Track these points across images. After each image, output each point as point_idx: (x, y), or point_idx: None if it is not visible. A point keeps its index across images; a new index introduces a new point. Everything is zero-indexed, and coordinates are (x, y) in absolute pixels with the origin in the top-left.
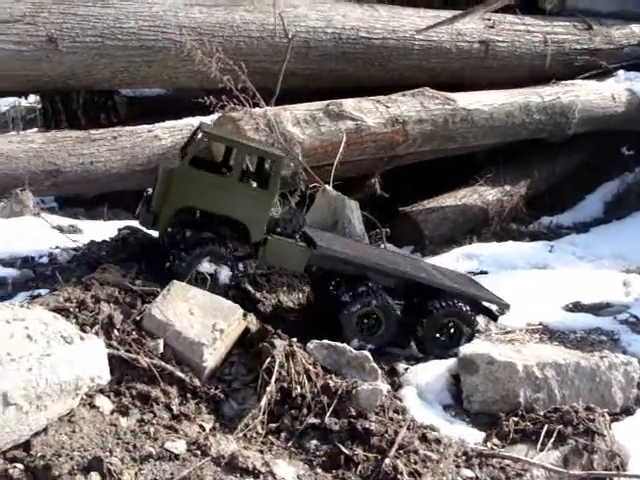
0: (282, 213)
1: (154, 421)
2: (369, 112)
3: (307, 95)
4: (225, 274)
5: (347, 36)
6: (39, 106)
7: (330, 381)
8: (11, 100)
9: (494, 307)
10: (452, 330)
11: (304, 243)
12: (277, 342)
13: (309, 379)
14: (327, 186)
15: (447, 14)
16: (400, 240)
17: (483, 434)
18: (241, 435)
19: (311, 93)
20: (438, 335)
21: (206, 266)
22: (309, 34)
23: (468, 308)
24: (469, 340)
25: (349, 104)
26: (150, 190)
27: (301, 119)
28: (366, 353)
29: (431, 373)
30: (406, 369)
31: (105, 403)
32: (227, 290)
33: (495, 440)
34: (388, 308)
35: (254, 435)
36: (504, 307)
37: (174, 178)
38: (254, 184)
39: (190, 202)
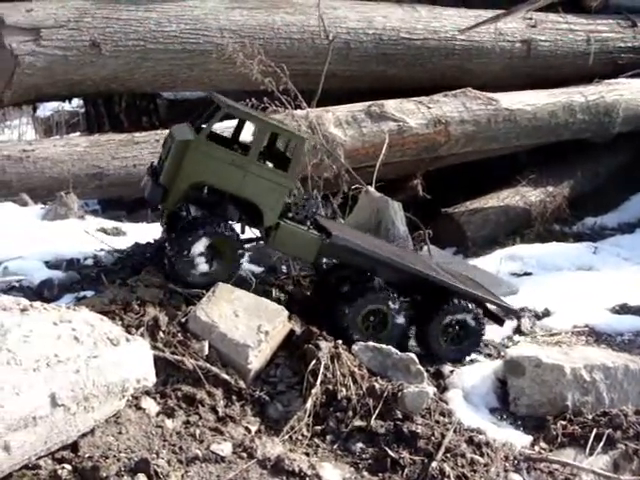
0: (296, 198)
1: (200, 423)
2: (411, 113)
3: (348, 96)
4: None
5: (388, 37)
6: (82, 110)
7: (376, 383)
8: (54, 105)
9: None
10: (458, 330)
11: (316, 231)
12: (322, 344)
13: (354, 381)
14: (370, 187)
15: (488, 13)
16: (442, 241)
17: (530, 438)
18: (287, 437)
19: (352, 94)
20: (443, 335)
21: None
22: (350, 35)
23: (476, 309)
24: (475, 342)
25: (391, 105)
26: (156, 161)
27: (343, 120)
28: (412, 355)
29: (477, 375)
30: (452, 371)
31: (151, 405)
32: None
33: (543, 444)
34: (395, 306)
35: (300, 438)
36: (511, 312)
37: (189, 151)
38: (270, 165)
39: (204, 178)
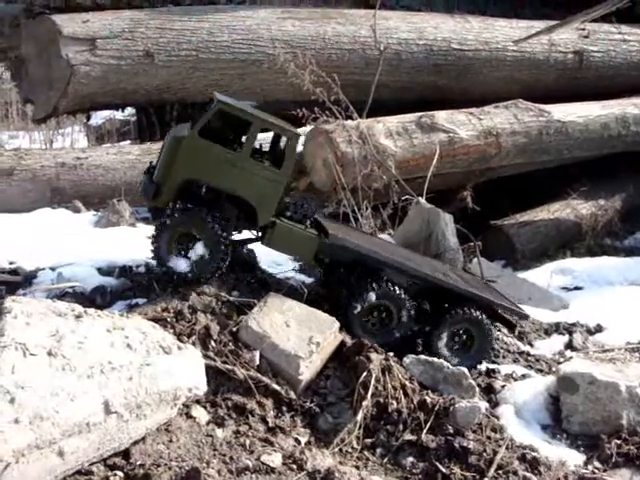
0: (294, 197)
1: (250, 433)
2: (462, 124)
3: (398, 107)
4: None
5: (439, 48)
6: (133, 119)
7: (427, 397)
8: (106, 113)
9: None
10: (464, 338)
11: (314, 231)
12: (373, 356)
13: (405, 394)
14: (421, 199)
15: (540, 24)
16: (491, 254)
17: (584, 456)
18: (337, 450)
19: (401, 105)
20: (449, 341)
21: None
22: (401, 46)
23: (484, 316)
24: (483, 350)
25: (442, 116)
26: (155, 160)
27: (394, 131)
28: (463, 369)
29: (529, 391)
30: (503, 386)
31: (201, 413)
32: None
33: (596, 463)
34: (401, 302)
35: (349, 450)
36: (522, 317)
37: (181, 148)
38: (267, 163)
39: (196, 175)
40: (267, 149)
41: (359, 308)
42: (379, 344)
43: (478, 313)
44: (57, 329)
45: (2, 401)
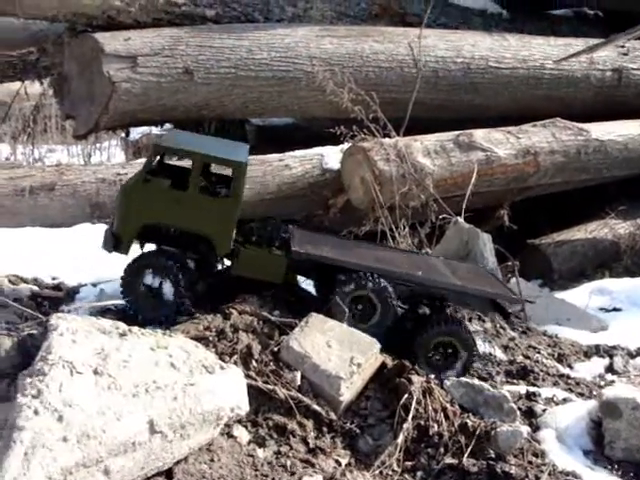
0: (257, 221)
1: (290, 454)
2: (499, 143)
3: (434, 125)
4: (168, 289)
5: (476, 66)
6: None
7: (468, 420)
8: (143, 128)
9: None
10: (448, 351)
11: (280, 251)
12: (414, 378)
13: (446, 417)
14: (459, 218)
15: (578, 42)
16: (528, 273)
17: None
18: (377, 472)
19: (438, 123)
20: (431, 354)
21: (149, 279)
22: (438, 64)
23: (467, 331)
24: (466, 365)
25: (479, 135)
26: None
27: (431, 149)
28: (505, 393)
29: (570, 415)
30: (544, 410)
31: (242, 433)
32: (172, 306)
33: None
34: (384, 294)
35: (390, 473)
36: (515, 302)
37: (131, 196)
38: (224, 192)
39: (150, 219)
40: None
41: (343, 296)
42: None
43: (461, 327)
44: (102, 347)
45: (51, 419)
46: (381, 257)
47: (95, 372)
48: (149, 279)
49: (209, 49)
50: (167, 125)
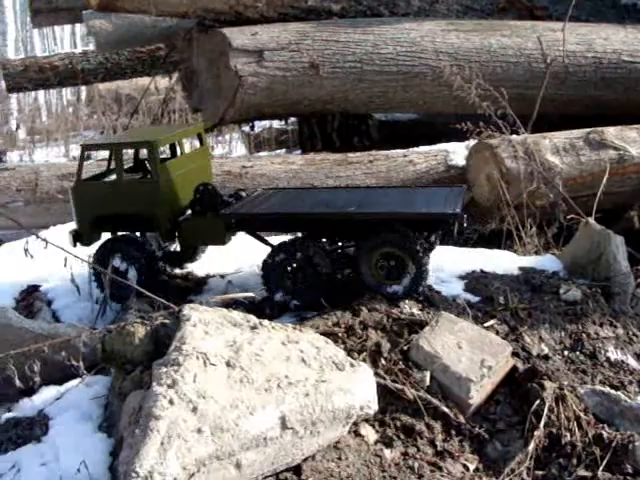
0: (194, 192)
1: (417, 456)
2: (633, 142)
3: (561, 121)
4: (132, 273)
5: (608, 60)
6: (289, 128)
7: (603, 431)
8: (264, 122)
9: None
10: (391, 263)
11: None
12: (547, 384)
13: (579, 427)
14: (590, 219)
15: None
16: None
17: None
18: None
19: (565, 119)
20: (375, 267)
21: (117, 262)
22: (568, 58)
23: (413, 243)
24: (416, 281)
25: (611, 132)
26: None
27: (560, 147)
28: None
29: None
30: None
31: (370, 432)
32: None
33: None
34: (315, 258)
35: None
36: (450, 217)
37: (75, 196)
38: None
39: (98, 211)
40: None
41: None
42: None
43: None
44: (234, 339)
45: (185, 409)
46: (322, 200)
47: (228, 364)
48: (117, 262)
49: (335, 43)
50: (291, 119)
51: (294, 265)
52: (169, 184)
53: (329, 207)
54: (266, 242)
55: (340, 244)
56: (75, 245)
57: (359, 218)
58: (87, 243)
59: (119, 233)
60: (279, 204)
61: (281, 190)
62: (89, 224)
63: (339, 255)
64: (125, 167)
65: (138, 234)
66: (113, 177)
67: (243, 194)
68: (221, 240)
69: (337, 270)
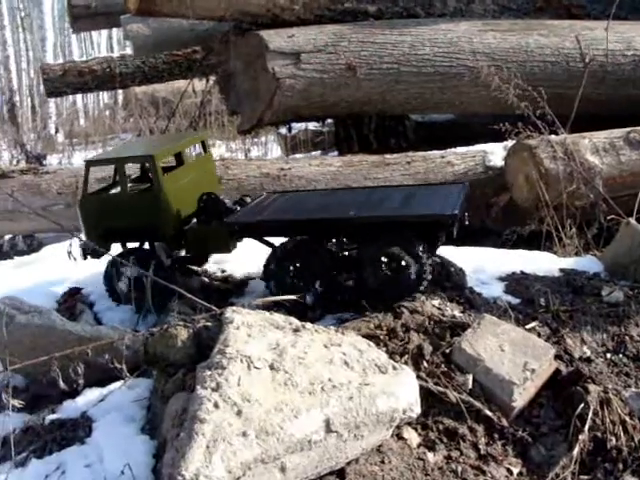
0: (197, 201)
1: (460, 459)
2: None
3: (600, 121)
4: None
5: None
6: (325, 129)
7: None
8: (300, 124)
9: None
10: (392, 264)
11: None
12: (591, 387)
13: (625, 431)
14: (631, 219)
15: None
16: None
17: None
18: None
19: (603, 119)
20: (379, 273)
21: (130, 273)
22: (606, 57)
23: (410, 241)
24: (420, 276)
25: None
26: None
27: (600, 147)
28: None
29: None
30: None
31: (412, 436)
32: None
33: None
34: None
35: None
36: (448, 219)
37: (82, 210)
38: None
39: (107, 224)
40: None
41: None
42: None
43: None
44: (277, 342)
45: (230, 412)
46: (324, 204)
47: (271, 367)
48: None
49: (371, 45)
50: (328, 120)
51: (297, 266)
52: (172, 194)
53: (329, 211)
54: (273, 246)
55: (343, 246)
56: (85, 258)
57: (358, 222)
58: (97, 256)
59: (128, 245)
60: (281, 210)
61: (284, 194)
62: (97, 237)
63: (342, 257)
64: (133, 177)
65: (147, 245)
66: (118, 189)
67: (248, 200)
68: (226, 248)
69: (341, 272)
